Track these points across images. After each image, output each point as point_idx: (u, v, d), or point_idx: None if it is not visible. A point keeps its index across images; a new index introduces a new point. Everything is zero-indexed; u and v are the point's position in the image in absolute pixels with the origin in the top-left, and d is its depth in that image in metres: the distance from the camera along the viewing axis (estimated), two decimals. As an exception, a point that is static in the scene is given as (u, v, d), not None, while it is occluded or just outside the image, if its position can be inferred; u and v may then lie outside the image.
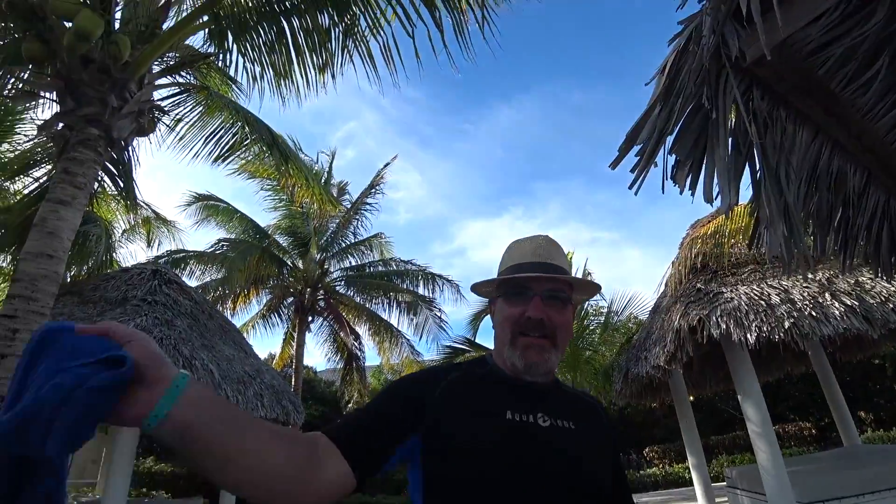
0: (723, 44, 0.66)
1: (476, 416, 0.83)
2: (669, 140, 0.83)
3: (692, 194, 0.82)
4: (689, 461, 6.86)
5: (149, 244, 10.04)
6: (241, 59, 5.06)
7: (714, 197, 0.81)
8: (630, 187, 0.81)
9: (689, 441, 6.79)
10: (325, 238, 12.20)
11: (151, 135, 5.24)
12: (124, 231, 9.88)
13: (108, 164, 5.33)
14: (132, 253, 10.38)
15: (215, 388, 5.29)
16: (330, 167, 12.45)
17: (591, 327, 8.48)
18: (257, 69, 4.97)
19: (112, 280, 6.54)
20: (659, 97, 0.79)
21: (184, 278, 9.35)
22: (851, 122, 1.24)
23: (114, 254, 8.18)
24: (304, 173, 5.88)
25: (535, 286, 0.91)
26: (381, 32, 3.84)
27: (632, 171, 0.83)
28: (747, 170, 1.07)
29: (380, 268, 12.63)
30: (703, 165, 0.82)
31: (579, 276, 8.92)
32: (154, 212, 9.72)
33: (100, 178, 5.55)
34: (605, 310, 8.58)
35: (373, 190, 12.53)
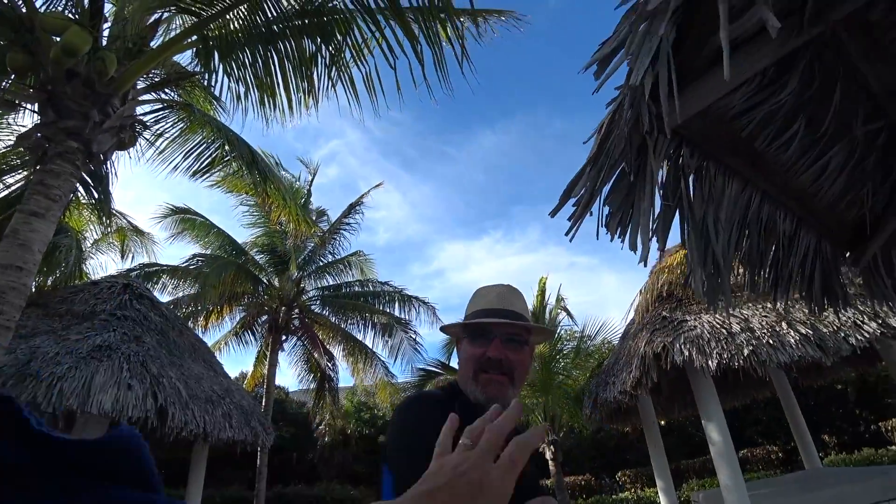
0: (642, 119, 0.79)
1: None
2: (605, 191, 0.95)
3: (622, 242, 0.95)
4: (657, 485, 6.97)
5: (122, 255, 9.83)
6: (226, 79, 5.14)
7: (637, 247, 0.93)
8: (566, 234, 0.93)
9: (658, 465, 6.92)
10: (302, 256, 12.13)
11: (131, 148, 5.24)
12: (96, 241, 9.66)
13: (84, 175, 5.29)
14: (102, 264, 10.10)
15: (182, 407, 5.19)
16: (310, 187, 12.46)
17: (564, 352, 8.62)
18: (242, 89, 5.05)
19: (80, 293, 6.39)
20: (591, 158, 0.92)
21: (156, 293, 9.17)
22: (776, 176, 1.40)
23: (83, 265, 7.99)
24: (283, 193, 5.92)
25: (496, 330, 1.04)
26: (365, 62, 3.98)
27: (568, 219, 0.95)
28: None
29: (356, 288, 12.57)
30: (630, 218, 0.95)
31: (552, 300, 9.16)
32: (129, 222, 9.56)
33: (75, 190, 5.48)
34: (578, 335, 8.75)
35: (353, 210, 12.59)
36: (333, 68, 4.14)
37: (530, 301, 9.18)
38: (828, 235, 1.96)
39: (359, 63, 4.02)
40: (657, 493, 6.88)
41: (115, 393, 4.75)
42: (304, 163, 13.07)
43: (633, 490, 13.60)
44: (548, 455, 7.95)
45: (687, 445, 14.71)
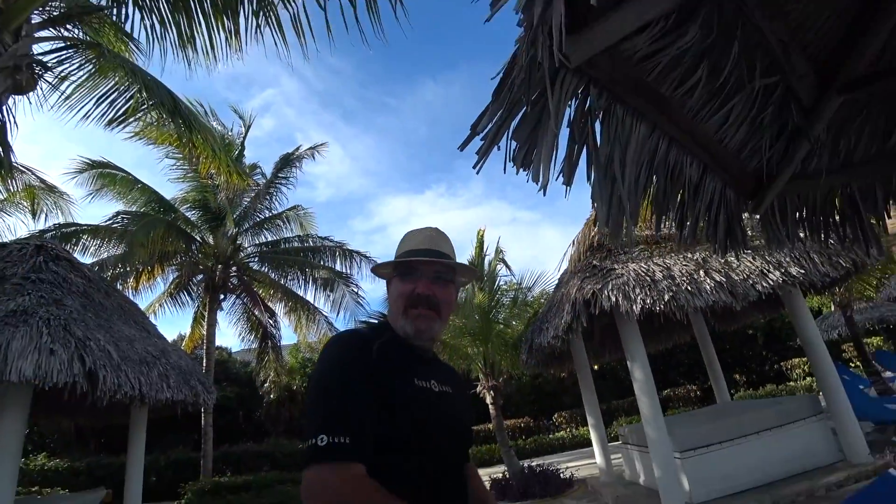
0: (539, 53, 0.81)
1: (396, 380, 0.99)
2: (513, 126, 0.99)
3: (526, 174, 0.99)
4: (588, 421, 7.59)
5: (34, 215, 8.97)
6: (138, 14, 4.65)
7: (539, 178, 0.98)
8: (474, 167, 0.97)
9: (589, 404, 7.50)
10: (238, 212, 11.60)
11: (31, 94, 4.69)
12: (0, 201, 8.76)
13: (-24, 123, 4.71)
14: (11, 227, 9.18)
15: (114, 370, 4.97)
16: (244, 139, 11.76)
17: (504, 303, 8.96)
18: (157, 28, 4.59)
19: (-15, 256, 5.83)
20: (494, 93, 0.94)
21: (76, 255, 8.51)
22: (682, 122, 1.49)
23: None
24: (211, 143, 5.54)
25: (424, 268, 1.11)
26: (292, 3, 3.71)
27: (476, 153, 0.98)
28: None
29: (296, 244, 12.28)
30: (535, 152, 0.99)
31: (492, 252, 9.41)
32: (39, 178, 8.68)
33: (-34, 141, 4.88)
34: (517, 286, 9.11)
35: (290, 163, 12.08)
36: (259, 7, 3.83)
37: (469, 252, 9.41)
38: (731, 183, 2.11)
39: (287, 3, 3.75)
40: (589, 430, 7.49)
41: (36, 359, 4.46)
42: (239, 113, 12.27)
43: (568, 429, 14.75)
44: (488, 400, 8.39)
45: (618, 388, 16.00)
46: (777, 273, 5.24)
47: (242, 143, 11.62)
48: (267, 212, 12.25)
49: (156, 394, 5.44)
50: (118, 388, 4.92)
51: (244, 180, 7.42)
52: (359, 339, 1.03)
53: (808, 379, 15.07)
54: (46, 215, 9.05)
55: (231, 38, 4.22)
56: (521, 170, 0.98)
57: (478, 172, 0.96)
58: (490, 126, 0.96)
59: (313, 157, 12.33)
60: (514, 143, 1.00)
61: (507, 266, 9.33)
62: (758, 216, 2.40)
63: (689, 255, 5.66)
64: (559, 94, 0.95)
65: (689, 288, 5.10)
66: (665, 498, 5.00)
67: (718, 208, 2.10)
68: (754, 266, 5.37)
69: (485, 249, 9.02)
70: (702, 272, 5.33)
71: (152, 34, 4.64)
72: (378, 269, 1.25)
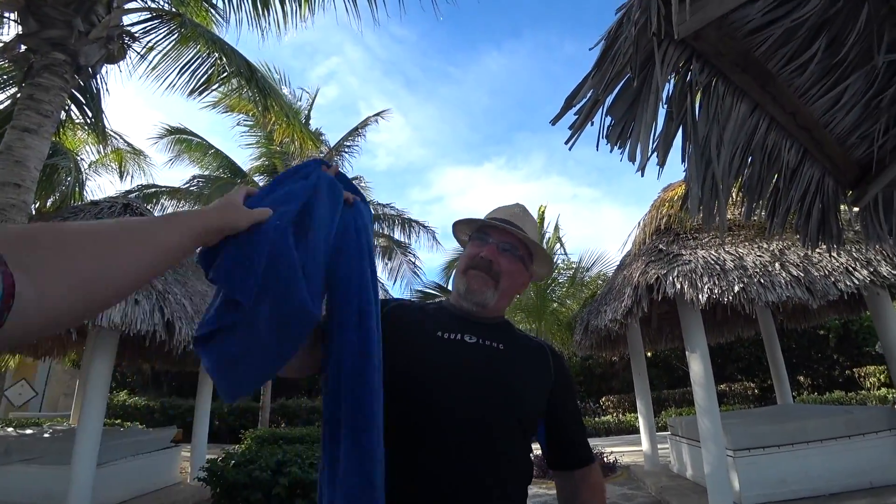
0: (650, 21, 0.75)
1: (410, 332, 0.97)
2: (609, 101, 0.94)
3: (621, 152, 0.94)
4: (638, 408, 7.43)
5: (121, 176, 9.75)
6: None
7: (636, 157, 0.93)
8: (566, 142, 0.93)
9: (640, 390, 7.33)
10: (303, 179, 12.02)
11: (121, 63, 5.02)
12: (93, 163, 9.54)
13: (75, 91, 5.12)
14: (101, 186, 10.04)
15: (188, 322, 5.39)
16: (310, 109, 12.08)
17: (560, 281, 8.83)
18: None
19: (81, 213, 6.41)
20: (596, 65, 0.89)
21: (156, 214, 9.19)
22: (787, 101, 1.36)
23: (82, 188, 7.95)
24: (285, 111, 5.73)
25: (496, 235, 1.08)
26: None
27: (570, 128, 0.94)
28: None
29: (357, 210, 12.60)
30: (631, 129, 0.94)
31: (550, 230, 9.22)
32: (126, 142, 9.38)
33: (67, 107, 5.33)
34: (575, 265, 8.94)
35: (355, 134, 12.30)
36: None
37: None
38: (832, 171, 1.93)
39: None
40: (637, 418, 7.34)
41: (123, 307, 4.91)
42: (304, 89, 12.55)
43: (615, 414, 14.51)
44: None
45: (668, 377, 15.47)
46: (864, 272, 4.79)
47: (309, 113, 11.95)
48: (331, 179, 12.58)
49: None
50: (191, 338, 5.33)
51: (317, 146, 7.65)
52: (411, 301, 1.06)
53: (883, 389, 13.87)
54: (132, 177, 9.81)
55: (303, 4, 4.29)
56: (615, 147, 0.94)
57: (570, 148, 0.93)
58: (585, 101, 0.91)
59: (377, 122, 12.46)
60: (608, 119, 0.95)
61: (563, 245, 9.16)
62: (856, 209, 2.19)
63: (765, 246, 5.29)
64: (664, 65, 0.89)
65: (762, 280, 4.77)
66: (713, 495, 4.84)
67: (814, 197, 1.93)
68: (838, 262, 4.94)
69: (545, 226, 8.88)
70: (777, 265, 4.97)
71: (229, 4, 4.80)
72: (457, 232, 1.23)
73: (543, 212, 8.94)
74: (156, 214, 7.97)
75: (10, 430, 8.43)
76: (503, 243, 1.07)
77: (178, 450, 7.10)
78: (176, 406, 13.40)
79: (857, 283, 4.71)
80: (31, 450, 5.64)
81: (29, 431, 7.50)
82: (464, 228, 1.19)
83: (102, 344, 5.34)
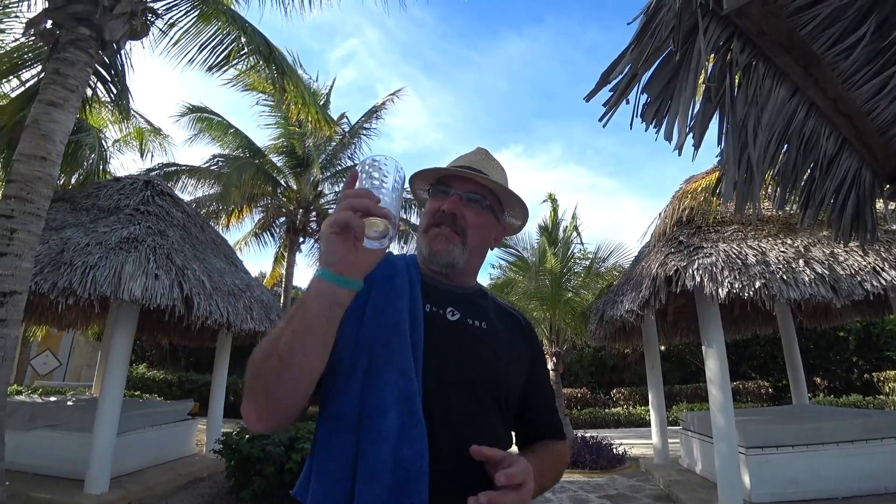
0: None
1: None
2: (645, 79, 0.89)
3: (657, 132, 0.90)
4: (650, 401, 7.38)
5: (142, 155, 9.89)
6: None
7: (674, 136, 0.89)
8: (600, 119, 0.89)
9: (653, 385, 7.27)
10: (321, 159, 12.08)
11: (144, 39, 5.04)
12: (115, 141, 9.68)
13: (99, 67, 5.17)
14: (123, 164, 10.22)
15: (207, 297, 5.48)
16: (329, 92, 12.06)
17: (576, 270, 8.78)
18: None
19: (104, 189, 6.53)
20: (635, 38, 0.84)
21: (176, 192, 9.34)
22: (829, 86, 1.30)
23: (106, 164, 8.09)
24: (301, 90, 5.72)
25: (458, 185, 0.96)
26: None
27: (604, 105, 0.90)
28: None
29: (375, 194, 12.67)
30: (668, 108, 0.90)
31: (568, 218, 9.11)
32: (147, 121, 9.49)
33: (92, 84, 5.38)
34: (592, 255, 8.87)
35: (374, 115, 12.26)
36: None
37: (544, 216, 9.17)
38: (870, 163, 1.85)
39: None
40: (648, 411, 7.30)
41: (144, 282, 5.00)
42: (316, 75, 12.50)
43: (625, 406, 14.47)
44: (549, 366, 8.42)
45: (681, 372, 15.34)
46: (893, 272, 4.63)
47: (328, 94, 11.94)
48: (348, 160, 12.63)
49: (240, 323, 5.97)
50: (209, 314, 5.43)
51: (331, 128, 7.66)
52: (388, 255, 0.95)
53: (903, 395, 13.55)
54: (152, 155, 9.94)
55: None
56: (650, 126, 0.90)
57: (604, 126, 0.89)
58: (622, 76, 0.88)
59: (393, 103, 12.40)
60: (644, 97, 0.91)
61: (579, 234, 9.08)
62: (893, 204, 2.10)
63: (789, 242, 5.15)
64: (707, 40, 0.84)
65: (785, 277, 4.65)
66: (722, 491, 4.80)
67: (850, 189, 1.85)
68: (865, 261, 4.78)
69: (560, 214, 8.80)
70: (801, 261, 4.84)
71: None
72: (416, 188, 1.07)
73: (553, 198, 8.87)
74: (176, 192, 8.09)
75: (35, 396, 8.75)
76: (467, 193, 0.94)
77: (194, 422, 7.29)
78: (193, 381, 13.73)
79: (884, 283, 4.56)
80: (55, 416, 5.85)
81: (53, 399, 7.76)
82: (421, 184, 1.05)
83: (123, 317, 5.46)
